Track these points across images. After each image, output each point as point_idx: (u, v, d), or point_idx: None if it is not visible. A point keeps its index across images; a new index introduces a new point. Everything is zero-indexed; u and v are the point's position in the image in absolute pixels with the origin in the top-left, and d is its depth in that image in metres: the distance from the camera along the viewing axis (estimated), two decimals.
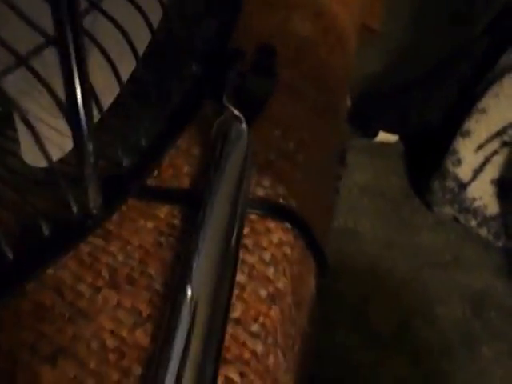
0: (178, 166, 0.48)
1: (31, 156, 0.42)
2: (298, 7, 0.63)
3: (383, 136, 1.39)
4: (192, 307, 0.37)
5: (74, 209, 0.39)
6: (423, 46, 1.54)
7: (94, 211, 0.40)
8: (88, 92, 0.33)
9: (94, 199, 0.39)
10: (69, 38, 0.30)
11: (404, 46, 1.57)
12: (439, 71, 1.27)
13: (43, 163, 0.42)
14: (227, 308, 0.38)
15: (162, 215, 0.45)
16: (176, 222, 0.45)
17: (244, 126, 0.47)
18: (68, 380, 0.37)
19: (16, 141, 0.43)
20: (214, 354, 0.36)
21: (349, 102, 1.03)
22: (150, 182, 0.47)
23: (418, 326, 1.14)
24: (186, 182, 0.47)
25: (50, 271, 0.41)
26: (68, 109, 0.33)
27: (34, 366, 0.37)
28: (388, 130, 1.38)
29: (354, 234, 1.29)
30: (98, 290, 0.41)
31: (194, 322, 0.36)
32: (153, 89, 0.43)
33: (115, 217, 0.45)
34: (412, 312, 1.16)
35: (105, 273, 0.42)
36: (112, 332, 0.39)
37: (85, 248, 0.43)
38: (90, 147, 0.35)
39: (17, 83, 0.40)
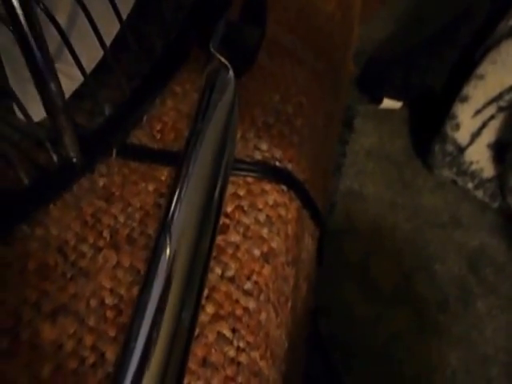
0: (179, 130, 0.47)
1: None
2: None
3: (388, 103, 1.37)
4: (171, 256, 0.34)
5: (55, 159, 0.37)
6: (428, 13, 1.50)
7: (74, 160, 0.38)
8: (45, 49, 0.31)
9: (71, 147, 0.37)
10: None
11: (410, 13, 1.54)
12: (441, 37, 1.24)
13: (36, 117, 0.40)
14: (207, 260, 0.36)
15: (163, 177, 0.44)
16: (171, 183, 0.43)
17: (231, 74, 0.44)
18: (67, 336, 0.35)
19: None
20: (193, 303, 0.34)
21: (353, 68, 1.00)
22: (153, 144, 0.45)
23: (417, 281, 1.13)
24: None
25: (53, 232, 0.40)
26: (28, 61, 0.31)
27: (35, 323, 0.36)
28: (392, 97, 1.35)
29: (360, 195, 1.28)
30: (99, 250, 0.39)
31: (172, 271, 0.34)
32: (137, 37, 0.41)
33: (117, 179, 0.43)
34: (412, 268, 1.15)
35: (106, 233, 0.40)
36: (111, 290, 0.37)
37: (88, 209, 0.41)
38: (54, 89, 0.33)
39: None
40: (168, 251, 0.34)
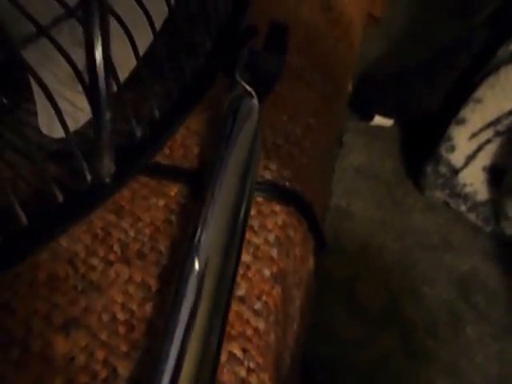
0: (188, 147, 0.49)
1: (48, 127, 0.42)
2: None
3: (379, 120, 1.39)
4: (198, 280, 0.37)
5: (88, 177, 0.39)
6: (423, 34, 1.53)
7: (107, 180, 0.40)
8: (108, 62, 0.33)
9: (107, 168, 0.39)
10: (94, 9, 0.30)
11: (404, 32, 1.57)
12: (438, 60, 1.27)
13: (59, 134, 0.42)
14: (232, 282, 0.38)
15: (173, 193, 0.46)
16: (186, 200, 0.45)
17: (255, 101, 0.47)
18: (79, 349, 0.37)
19: (31, 113, 0.43)
20: (218, 326, 0.36)
21: (350, 88, 1.03)
22: (162, 160, 0.47)
23: (405, 304, 1.15)
24: (195, 163, 0.48)
25: (64, 244, 0.42)
26: (89, 77, 0.33)
27: (47, 335, 0.37)
28: (384, 115, 1.38)
29: (347, 213, 1.29)
30: (110, 263, 0.41)
31: (200, 294, 0.36)
32: (167, 62, 0.43)
33: (127, 193, 0.45)
34: (400, 291, 1.17)
35: (116, 248, 0.42)
36: (122, 305, 0.39)
37: (98, 222, 0.43)
38: (108, 115, 0.35)
39: (33, 55, 0.40)
40: (196, 273, 0.36)
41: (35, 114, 0.42)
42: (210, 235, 0.38)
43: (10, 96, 0.44)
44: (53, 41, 0.36)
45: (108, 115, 0.34)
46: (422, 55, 1.33)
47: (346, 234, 1.26)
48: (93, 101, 0.33)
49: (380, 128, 1.41)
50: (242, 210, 0.40)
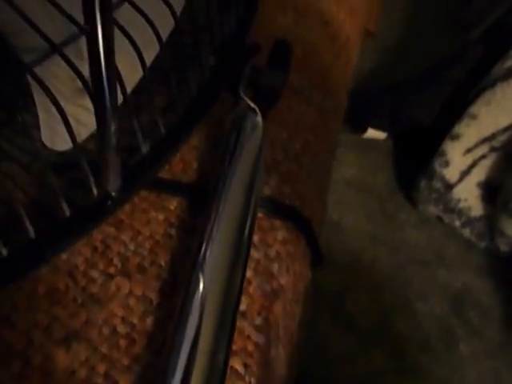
0: (188, 161, 0.50)
1: (51, 140, 0.43)
2: (308, 14, 0.64)
3: (372, 133, 1.40)
4: (203, 297, 0.38)
5: (94, 191, 0.40)
6: (417, 47, 1.55)
7: (113, 194, 0.41)
8: (114, 76, 0.34)
9: (113, 182, 0.40)
10: (98, 24, 0.31)
11: (397, 45, 1.58)
12: (432, 74, 1.28)
13: (62, 147, 0.43)
14: (238, 299, 0.39)
15: (172, 207, 0.46)
16: (185, 214, 0.46)
17: (259, 118, 0.48)
18: (80, 363, 0.38)
19: (33, 126, 0.44)
20: (224, 343, 0.37)
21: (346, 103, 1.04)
22: (162, 175, 0.48)
23: (397, 319, 1.15)
24: (195, 177, 0.49)
25: (63, 256, 0.42)
26: (94, 91, 0.34)
27: (47, 348, 0.38)
28: (377, 128, 1.39)
29: (338, 226, 1.29)
30: (110, 276, 0.42)
31: (205, 311, 0.37)
32: (173, 78, 0.44)
33: (127, 207, 0.46)
34: (392, 306, 1.17)
35: (116, 261, 0.43)
36: (123, 318, 0.40)
37: (97, 235, 0.44)
38: (113, 129, 0.36)
39: (37, 70, 0.41)
40: (201, 290, 0.37)
41: (32, 125, 0.43)
42: (215, 252, 0.39)
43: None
44: (65, 58, 0.37)
45: (113, 127, 0.35)
46: (415, 68, 1.34)
47: (337, 248, 1.26)
48: (98, 113, 0.34)
49: (372, 141, 1.42)
50: (247, 227, 0.41)
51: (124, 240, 0.44)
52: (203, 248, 0.39)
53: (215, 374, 0.35)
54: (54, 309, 0.40)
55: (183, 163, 0.49)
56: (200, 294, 0.37)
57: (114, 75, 0.33)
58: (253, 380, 0.39)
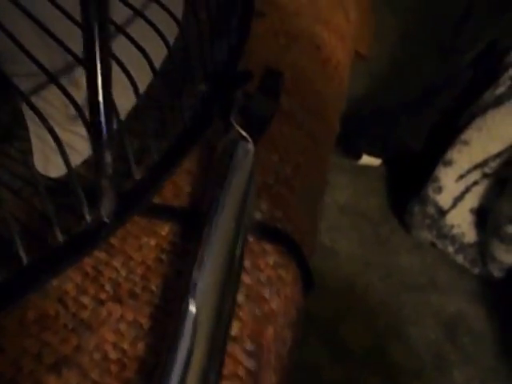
0: (179, 186, 0.50)
1: (44, 167, 0.43)
2: (299, 39, 0.65)
3: (367, 159, 1.41)
4: (195, 321, 0.38)
5: (87, 217, 0.40)
6: (409, 71, 1.56)
7: (107, 220, 0.41)
8: (110, 106, 0.34)
9: (107, 208, 0.40)
10: (97, 59, 0.32)
11: (390, 70, 1.60)
12: (423, 99, 1.30)
13: (55, 173, 0.43)
14: (229, 323, 0.40)
15: (164, 233, 0.47)
16: (177, 239, 0.46)
17: (250, 145, 0.49)
18: None
19: (25, 151, 0.44)
20: (216, 367, 0.37)
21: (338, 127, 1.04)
22: (153, 199, 0.48)
23: (391, 346, 1.15)
24: (186, 201, 0.49)
25: (54, 282, 0.42)
26: (91, 121, 0.35)
27: (38, 374, 0.38)
28: (371, 153, 1.40)
29: (331, 252, 1.30)
30: (101, 302, 0.42)
31: (197, 335, 0.38)
32: (166, 104, 0.45)
33: (119, 232, 0.46)
34: (385, 332, 1.17)
35: (108, 287, 0.43)
36: (114, 344, 0.40)
37: (89, 261, 0.44)
38: (109, 157, 0.36)
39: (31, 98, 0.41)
40: (193, 315, 0.37)
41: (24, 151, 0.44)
42: (206, 277, 0.39)
43: None
44: (60, 87, 0.37)
45: (109, 155, 0.35)
46: (406, 93, 1.36)
47: (331, 273, 1.26)
48: (94, 142, 0.35)
49: (365, 166, 1.43)
50: (238, 252, 0.42)
51: (115, 266, 0.44)
52: (194, 273, 0.40)
53: None
54: (44, 335, 0.40)
55: (175, 188, 0.50)
56: (192, 318, 0.37)
57: (111, 106, 0.34)
58: None
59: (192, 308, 0.38)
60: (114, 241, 0.46)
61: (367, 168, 1.43)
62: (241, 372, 0.40)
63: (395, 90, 1.50)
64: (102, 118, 0.33)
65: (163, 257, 0.45)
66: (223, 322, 0.38)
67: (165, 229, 0.47)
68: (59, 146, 0.36)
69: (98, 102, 0.32)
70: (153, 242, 0.46)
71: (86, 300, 0.42)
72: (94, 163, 0.36)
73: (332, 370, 1.11)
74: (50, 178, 0.43)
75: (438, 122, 1.25)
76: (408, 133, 1.31)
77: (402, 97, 1.37)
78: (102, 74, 0.32)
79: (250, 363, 0.41)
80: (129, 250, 0.45)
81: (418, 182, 1.23)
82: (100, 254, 0.45)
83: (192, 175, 0.51)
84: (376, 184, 1.42)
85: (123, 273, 0.44)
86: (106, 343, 0.40)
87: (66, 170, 0.38)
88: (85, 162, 0.45)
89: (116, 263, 0.45)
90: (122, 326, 0.41)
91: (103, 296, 0.42)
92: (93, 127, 0.34)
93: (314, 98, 0.63)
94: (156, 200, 0.49)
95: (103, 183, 0.37)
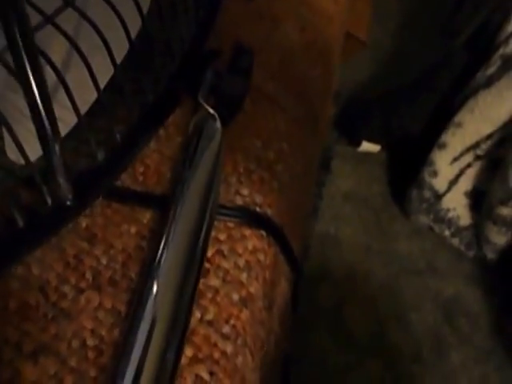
0: (162, 173, 0.50)
1: (15, 154, 0.43)
2: (284, 20, 0.65)
3: (366, 146, 1.40)
4: (156, 301, 0.39)
5: (48, 200, 0.40)
6: (411, 57, 1.56)
7: (68, 203, 0.41)
8: (47, 102, 0.34)
9: (65, 191, 0.40)
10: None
11: (392, 55, 1.59)
12: (420, 83, 1.29)
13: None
14: (191, 303, 0.40)
15: (145, 220, 0.47)
16: (158, 227, 0.46)
17: (218, 124, 0.48)
18: (48, 377, 0.38)
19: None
20: (175, 345, 0.38)
21: (332, 111, 1.03)
22: (135, 187, 0.48)
23: (391, 330, 1.15)
24: (168, 188, 0.49)
25: (35, 272, 0.42)
26: (32, 117, 0.35)
27: (16, 363, 0.38)
28: (371, 139, 1.39)
29: (335, 239, 1.30)
30: (81, 291, 0.42)
31: (158, 315, 0.38)
32: (127, 85, 0.44)
33: (100, 220, 0.46)
34: (386, 316, 1.18)
35: (88, 275, 0.43)
36: (92, 331, 0.40)
37: (70, 250, 0.44)
38: (55, 139, 0.36)
39: None
40: (154, 293, 0.37)
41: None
42: (169, 257, 0.39)
43: None
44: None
45: (57, 131, 0.35)
46: (409, 78, 1.35)
47: (334, 261, 1.27)
48: (35, 122, 0.35)
49: (367, 153, 1.43)
50: (203, 232, 0.41)
51: (97, 254, 0.44)
52: (159, 253, 0.40)
53: (165, 373, 0.36)
54: (24, 324, 0.40)
55: (157, 174, 0.49)
56: (153, 299, 0.38)
57: (50, 104, 0.34)
58: None
59: (154, 288, 0.38)
60: (95, 229, 0.46)
61: (369, 156, 1.43)
62: (216, 355, 0.40)
63: (397, 75, 1.50)
64: (44, 117, 0.33)
65: (143, 244, 0.45)
66: (184, 302, 0.38)
67: (146, 216, 0.47)
68: (10, 132, 0.36)
69: (36, 102, 0.32)
70: (133, 230, 0.46)
71: (66, 289, 0.42)
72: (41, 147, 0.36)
73: (334, 354, 1.12)
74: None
75: (434, 106, 1.24)
76: (407, 118, 1.31)
77: (403, 83, 1.37)
78: (35, 83, 0.32)
79: (225, 346, 0.40)
80: (110, 237, 0.45)
81: (416, 167, 1.23)
82: (82, 244, 0.45)
83: (175, 162, 0.51)
84: (378, 171, 1.42)
85: (104, 261, 0.44)
86: (85, 330, 0.40)
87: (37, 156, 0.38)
88: None
89: (97, 252, 0.44)
90: (100, 314, 0.41)
91: (83, 284, 0.42)
92: (35, 124, 0.34)
93: (299, 82, 0.62)
94: (138, 187, 0.48)
95: (54, 163, 0.36)
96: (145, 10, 0.46)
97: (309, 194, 0.70)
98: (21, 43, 0.31)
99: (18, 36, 0.31)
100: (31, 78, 0.32)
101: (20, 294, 0.41)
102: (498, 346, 1.14)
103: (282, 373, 0.57)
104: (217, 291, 0.43)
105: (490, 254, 1.17)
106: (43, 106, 0.34)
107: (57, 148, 0.36)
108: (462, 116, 1.08)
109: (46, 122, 0.35)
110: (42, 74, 0.33)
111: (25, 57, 0.32)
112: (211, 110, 0.48)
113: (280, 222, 0.50)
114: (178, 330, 0.38)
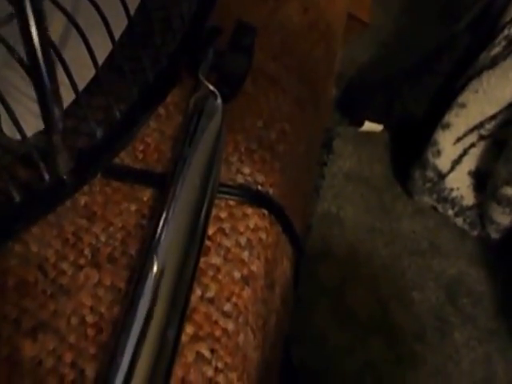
0: (162, 151, 0.49)
1: (11, 130, 0.43)
2: (287, 1, 0.64)
3: (369, 125, 1.40)
4: (156, 278, 0.38)
5: (46, 176, 0.40)
6: (412, 39, 1.54)
7: (65, 178, 0.41)
8: (50, 57, 0.33)
9: (64, 165, 0.40)
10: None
11: (394, 37, 1.58)
12: (423, 65, 1.28)
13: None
14: (192, 281, 0.39)
15: (145, 198, 0.46)
16: (158, 205, 0.46)
17: (219, 101, 0.48)
18: (47, 353, 0.37)
19: None
20: (176, 322, 0.37)
21: (334, 91, 1.02)
22: (136, 165, 0.47)
23: (394, 309, 1.15)
24: (169, 167, 0.48)
25: (34, 249, 0.42)
26: (33, 77, 0.34)
27: (15, 340, 0.38)
28: (373, 120, 1.39)
29: (337, 219, 1.30)
30: (79, 268, 0.41)
31: (158, 290, 0.37)
32: (127, 63, 0.43)
33: (100, 199, 0.45)
34: (389, 296, 1.17)
35: (87, 252, 0.42)
36: (91, 308, 0.40)
37: (69, 228, 0.43)
38: (58, 112, 0.35)
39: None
40: (155, 271, 0.37)
41: None
42: (169, 235, 0.38)
43: None
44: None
45: (58, 110, 0.34)
46: (410, 60, 1.34)
47: (335, 240, 1.26)
48: (39, 98, 0.34)
49: (369, 134, 1.42)
50: (203, 210, 0.41)
51: (95, 232, 0.44)
52: (159, 230, 0.39)
53: (165, 353, 0.35)
54: (22, 301, 0.40)
55: (157, 153, 0.49)
56: (153, 276, 0.37)
57: (50, 57, 0.33)
58: (220, 364, 0.38)
59: (154, 265, 0.37)
60: (95, 207, 0.45)
61: (371, 136, 1.42)
62: (217, 332, 0.39)
63: (400, 58, 1.49)
64: (44, 73, 0.32)
65: (143, 222, 0.44)
66: (185, 280, 0.38)
67: (146, 194, 0.46)
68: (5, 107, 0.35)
69: (35, 53, 0.31)
70: (133, 208, 0.45)
71: (65, 266, 0.42)
72: (43, 120, 0.35)
73: (336, 333, 1.12)
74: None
75: (437, 88, 1.24)
76: (410, 99, 1.30)
77: (405, 65, 1.36)
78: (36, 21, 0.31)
79: (226, 324, 0.40)
80: (109, 215, 0.45)
81: (419, 147, 1.22)
82: (81, 221, 0.44)
83: (175, 141, 0.50)
84: (380, 151, 1.41)
85: (103, 238, 0.43)
86: (84, 307, 0.40)
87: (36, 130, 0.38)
88: None
89: (96, 229, 0.44)
90: (100, 291, 0.40)
91: (82, 261, 0.42)
92: (35, 83, 0.33)
93: (301, 62, 0.61)
94: (138, 165, 0.48)
95: (54, 140, 0.36)
96: None
97: (310, 174, 0.69)
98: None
99: None
100: (38, 48, 0.31)
101: (19, 271, 0.41)
102: (501, 326, 1.14)
103: (283, 351, 0.56)
104: (218, 269, 0.42)
105: (494, 234, 1.16)
106: (50, 83, 0.33)
107: (60, 124, 0.35)
108: (466, 96, 1.07)
109: (52, 98, 0.34)
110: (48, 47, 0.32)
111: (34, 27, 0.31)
112: (212, 87, 0.47)
113: (282, 202, 0.50)
114: (179, 308, 0.37)
